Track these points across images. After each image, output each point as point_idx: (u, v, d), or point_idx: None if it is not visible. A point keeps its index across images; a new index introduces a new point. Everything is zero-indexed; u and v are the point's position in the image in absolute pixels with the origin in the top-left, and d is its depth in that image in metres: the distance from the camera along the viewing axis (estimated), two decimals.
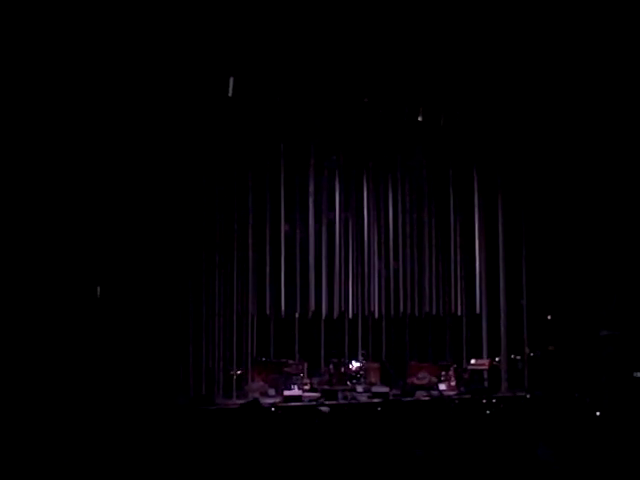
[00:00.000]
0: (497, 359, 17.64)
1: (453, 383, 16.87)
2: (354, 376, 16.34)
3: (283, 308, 16.45)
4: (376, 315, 17.49)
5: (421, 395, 15.65)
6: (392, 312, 17.58)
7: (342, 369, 16.37)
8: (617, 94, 16.02)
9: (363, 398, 15.23)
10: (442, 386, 16.54)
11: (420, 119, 17.45)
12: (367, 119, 16.93)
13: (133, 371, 13.75)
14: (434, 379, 16.76)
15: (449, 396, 15.68)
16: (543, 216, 17.62)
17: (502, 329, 17.76)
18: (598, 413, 11.50)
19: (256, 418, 10.56)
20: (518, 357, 17.79)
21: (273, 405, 13.54)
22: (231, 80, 15.46)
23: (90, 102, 13.85)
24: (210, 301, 15.52)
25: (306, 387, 15.79)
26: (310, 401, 14.57)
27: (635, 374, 16.59)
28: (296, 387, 15.55)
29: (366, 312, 17.40)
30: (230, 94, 15.49)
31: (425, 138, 17.65)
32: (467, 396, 15.60)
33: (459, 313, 18.14)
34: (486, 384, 16.97)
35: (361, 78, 16.16)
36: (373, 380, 16.61)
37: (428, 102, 17.29)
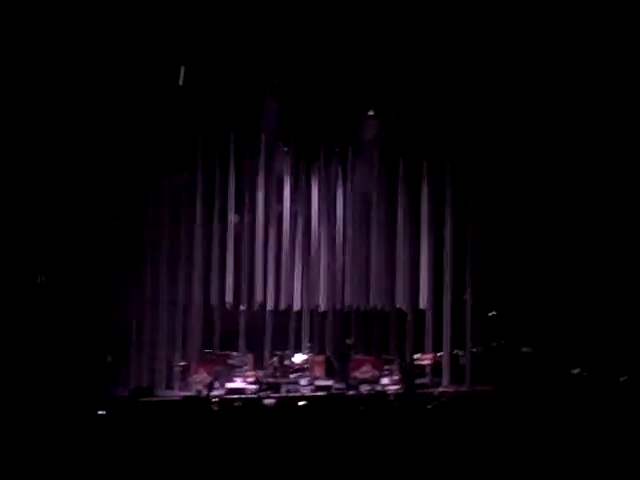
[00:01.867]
0: (440, 354, 17.80)
1: (396, 377, 17.00)
2: (299, 369, 16.33)
3: (229, 299, 16.34)
4: (322, 308, 17.50)
5: (364, 389, 15.72)
6: (338, 305, 17.61)
7: (286, 362, 16.36)
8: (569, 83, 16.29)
9: (307, 391, 15.24)
10: (385, 380, 16.66)
11: (371, 113, 17.47)
12: (319, 111, 16.86)
13: (72, 363, 13.51)
14: (377, 373, 16.86)
15: (392, 390, 15.79)
16: (490, 212, 17.81)
17: (446, 324, 17.92)
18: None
19: (198, 411, 10.44)
20: (461, 353, 17.98)
21: (216, 397, 13.46)
22: (182, 69, 15.26)
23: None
24: (155, 291, 15.35)
25: (250, 380, 15.75)
26: (253, 393, 14.53)
27: (573, 371, 17.01)
28: (240, 380, 15.50)
29: (312, 305, 17.40)
30: (181, 83, 15.30)
31: (375, 132, 17.66)
32: (409, 390, 15.71)
33: (404, 308, 18.25)
34: (428, 379, 17.15)
35: (314, 70, 16.11)
36: (318, 374, 16.63)
37: (379, 96, 17.34)
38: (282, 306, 17.00)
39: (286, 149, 17.15)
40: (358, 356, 17.34)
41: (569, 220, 17.51)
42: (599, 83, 16.02)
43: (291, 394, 14.70)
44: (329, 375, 16.61)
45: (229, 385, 14.93)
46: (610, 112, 16.36)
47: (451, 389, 16.34)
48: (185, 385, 15.00)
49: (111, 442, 8.44)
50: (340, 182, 17.80)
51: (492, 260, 17.79)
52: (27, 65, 13.26)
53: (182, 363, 15.44)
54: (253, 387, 15.16)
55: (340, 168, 17.80)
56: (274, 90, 16.24)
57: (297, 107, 16.58)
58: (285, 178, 17.19)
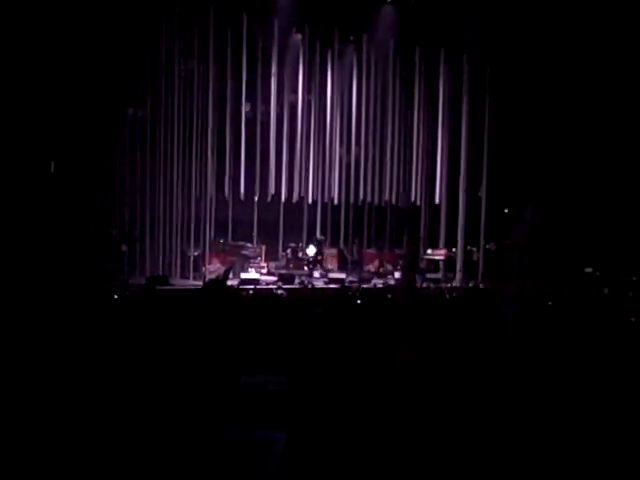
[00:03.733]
0: (453, 250, 17.78)
1: None
2: (311, 261, 16.35)
3: (242, 190, 16.18)
4: (336, 201, 17.36)
5: (378, 283, 15.76)
6: (352, 199, 17.46)
7: (300, 254, 16.36)
8: None
9: (320, 283, 15.29)
10: (398, 274, 16.68)
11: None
12: None
13: (87, 251, 13.50)
14: (390, 267, 16.89)
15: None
16: (508, 105, 17.38)
17: (460, 220, 17.83)
18: (550, 303, 11.71)
19: (218, 296, 10.42)
20: (474, 248, 17.95)
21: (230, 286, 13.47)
22: None
23: None
24: (168, 182, 15.19)
25: (263, 271, 15.80)
26: (267, 284, 14.58)
27: (586, 269, 17.00)
28: (253, 270, 15.55)
29: (326, 198, 17.25)
30: None
31: (393, 19, 17.01)
32: (422, 284, 15.74)
33: (418, 203, 18.11)
34: (441, 274, 17.18)
35: None
36: (330, 266, 16.67)
37: None
38: (295, 198, 16.85)
39: (300, 35, 16.57)
40: (371, 250, 17.34)
41: (584, 122, 17.12)
42: None
43: (304, 285, 14.73)
44: (342, 268, 16.66)
45: (243, 275, 14.96)
46: None
47: (464, 284, 16.38)
48: (199, 275, 15.04)
49: (128, 327, 8.47)
50: (355, 70, 17.31)
51: (507, 155, 17.49)
52: None
53: (196, 253, 15.44)
54: (267, 278, 15.21)
55: (355, 56, 17.27)
56: None
57: None
58: (299, 66, 16.68)
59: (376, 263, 17.00)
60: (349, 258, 16.87)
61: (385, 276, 16.47)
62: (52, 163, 13.66)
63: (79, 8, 13.44)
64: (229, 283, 13.96)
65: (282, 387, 4.42)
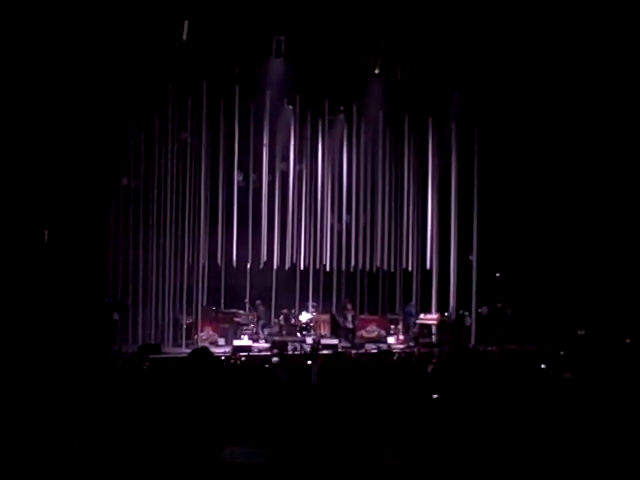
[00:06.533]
0: (446, 314, 17.83)
1: (402, 337, 17.07)
2: (304, 328, 16.38)
3: (235, 258, 16.30)
4: (328, 268, 17.48)
5: (370, 348, 15.76)
6: (344, 265, 17.59)
7: (292, 320, 16.40)
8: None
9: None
10: (391, 339, 16.71)
11: (377, 72, 17.24)
12: (324, 70, 16.59)
13: (79, 320, 13.50)
14: (383, 332, 16.92)
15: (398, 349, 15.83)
16: (496, 173, 17.70)
17: (452, 285, 17.93)
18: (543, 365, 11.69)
19: (205, 366, 10.41)
20: (466, 313, 17.98)
21: (223, 355, 13.45)
22: (186, 24, 15.01)
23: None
24: (160, 250, 15.31)
25: (256, 337, 15.79)
26: (260, 351, 14.57)
27: (579, 332, 17.02)
28: (246, 337, 15.55)
29: (318, 265, 17.37)
30: (185, 38, 15.06)
31: (382, 90, 17.44)
32: (415, 349, 15.74)
33: (410, 268, 18.25)
34: (434, 338, 17.19)
35: (321, 29, 15.86)
36: (323, 332, 16.67)
37: (385, 55, 17.10)
38: (288, 265, 16.97)
39: (291, 107, 16.95)
40: (363, 315, 17.38)
41: (572, 185, 17.44)
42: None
43: (297, 352, 14.71)
44: (334, 334, 16.67)
45: (235, 342, 14.97)
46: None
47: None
48: (192, 342, 15.03)
49: (119, 398, 8.44)
50: (345, 139, 17.66)
51: (497, 219, 17.71)
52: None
53: (189, 321, 15.46)
54: (259, 345, 15.21)
55: (345, 125, 17.64)
56: (279, 46, 15.97)
57: (302, 64, 16.31)
58: (290, 135, 17.02)
59: (370, 328, 17.01)
60: (341, 324, 16.88)
61: (379, 341, 16.47)
62: (46, 232, 13.77)
63: (75, 80, 13.75)
64: (220, 351, 13.98)
65: (264, 461, 4.39)
